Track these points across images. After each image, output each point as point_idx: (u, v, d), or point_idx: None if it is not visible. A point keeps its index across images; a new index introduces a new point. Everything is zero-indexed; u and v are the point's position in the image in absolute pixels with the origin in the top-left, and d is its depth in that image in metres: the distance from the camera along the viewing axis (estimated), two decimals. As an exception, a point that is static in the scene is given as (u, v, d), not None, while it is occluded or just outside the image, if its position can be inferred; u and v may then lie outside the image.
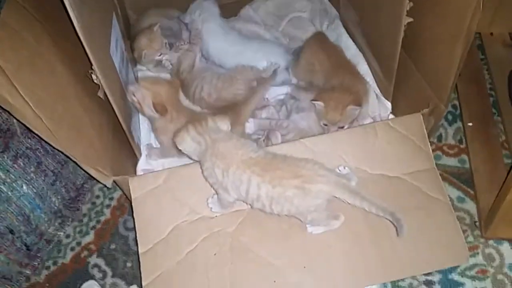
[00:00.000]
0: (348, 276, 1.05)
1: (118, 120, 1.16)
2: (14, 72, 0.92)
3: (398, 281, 1.16)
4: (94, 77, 1.03)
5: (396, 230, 0.98)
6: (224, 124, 1.05)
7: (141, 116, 1.39)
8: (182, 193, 1.11)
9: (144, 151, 1.34)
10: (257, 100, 1.37)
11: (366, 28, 1.42)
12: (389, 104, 1.37)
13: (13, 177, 1.17)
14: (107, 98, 1.08)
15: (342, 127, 1.25)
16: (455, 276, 1.16)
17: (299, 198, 0.96)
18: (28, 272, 1.28)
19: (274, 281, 1.04)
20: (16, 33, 0.99)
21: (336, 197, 0.98)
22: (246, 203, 1.06)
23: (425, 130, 1.15)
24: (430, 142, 1.31)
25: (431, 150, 1.15)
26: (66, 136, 1.02)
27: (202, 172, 1.04)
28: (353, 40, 1.53)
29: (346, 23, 1.58)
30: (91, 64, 1.00)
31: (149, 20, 1.58)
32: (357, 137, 1.15)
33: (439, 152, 1.39)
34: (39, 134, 0.96)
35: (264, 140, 1.29)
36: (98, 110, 1.18)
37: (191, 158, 1.09)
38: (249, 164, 0.97)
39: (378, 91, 1.40)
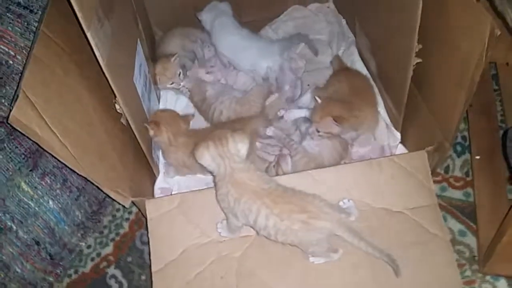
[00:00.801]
0: (345, 306, 1.10)
1: (139, 142, 1.24)
2: (43, 105, 0.97)
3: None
4: (117, 106, 1.11)
5: (394, 271, 1.05)
6: (243, 145, 1.07)
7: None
8: (194, 217, 1.18)
9: (162, 169, 1.42)
10: (258, 123, 1.43)
11: (378, 59, 1.45)
12: (398, 134, 1.40)
13: (40, 193, 1.27)
14: (129, 124, 1.15)
15: (318, 132, 1.30)
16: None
17: (303, 231, 1.02)
18: (51, 279, 1.38)
19: (275, 306, 1.11)
20: (46, 67, 1.05)
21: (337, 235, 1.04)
22: (253, 229, 1.12)
23: (428, 167, 1.19)
24: (437, 173, 1.33)
25: (433, 187, 1.18)
26: (89, 162, 1.08)
27: (216, 195, 1.10)
28: (366, 67, 1.56)
29: (360, 50, 1.61)
30: (115, 96, 1.07)
31: (173, 41, 1.64)
32: (363, 171, 1.20)
33: (445, 184, 1.42)
34: (64, 163, 1.03)
35: (274, 166, 1.35)
36: (121, 133, 1.25)
37: (206, 170, 1.13)
38: (260, 195, 1.03)
39: (388, 120, 1.43)
